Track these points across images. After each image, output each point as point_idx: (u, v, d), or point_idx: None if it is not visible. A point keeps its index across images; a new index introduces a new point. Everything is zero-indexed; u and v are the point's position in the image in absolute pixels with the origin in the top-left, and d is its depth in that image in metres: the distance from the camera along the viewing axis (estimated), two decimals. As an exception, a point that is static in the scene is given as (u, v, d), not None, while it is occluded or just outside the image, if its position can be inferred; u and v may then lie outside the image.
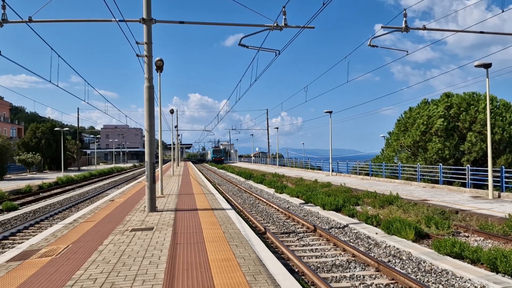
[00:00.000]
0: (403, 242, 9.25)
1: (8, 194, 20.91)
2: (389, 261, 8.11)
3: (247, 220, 12.74)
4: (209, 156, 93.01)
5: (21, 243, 9.58)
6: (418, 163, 23.15)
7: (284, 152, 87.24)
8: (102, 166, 65.47)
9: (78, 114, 57.77)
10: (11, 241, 10.86)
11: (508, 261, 6.79)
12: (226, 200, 17.04)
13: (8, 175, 38.95)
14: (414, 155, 25.68)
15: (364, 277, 7.08)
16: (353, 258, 8.31)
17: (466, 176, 18.64)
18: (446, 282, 6.69)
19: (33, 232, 12.09)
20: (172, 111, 29.91)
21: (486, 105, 16.61)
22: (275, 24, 11.58)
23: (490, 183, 15.42)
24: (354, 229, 11.21)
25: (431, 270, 7.32)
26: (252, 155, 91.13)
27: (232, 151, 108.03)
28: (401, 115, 28.04)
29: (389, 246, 9.18)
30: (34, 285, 5.16)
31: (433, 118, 24.22)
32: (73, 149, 59.72)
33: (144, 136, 14.12)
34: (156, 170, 14.00)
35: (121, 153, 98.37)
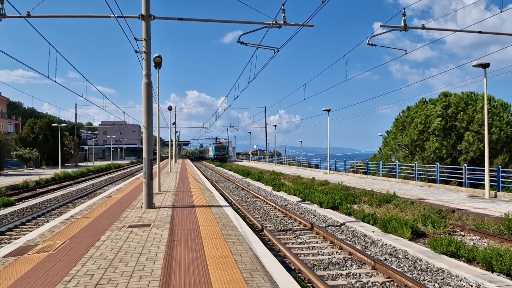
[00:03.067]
0: (399, 241, 9.28)
1: (5, 189, 20.85)
2: (385, 259, 8.14)
3: (244, 218, 12.76)
4: (211, 153, 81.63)
5: (17, 238, 9.57)
6: (416, 162, 23.21)
7: (282, 150, 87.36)
8: (100, 163, 65.36)
9: (76, 110, 57.79)
10: (7, 237, 10.84)
11: (503, 260, 6.83)
12: (224, 197, 17.06)
13: (5, 171, 38.85)
14: (412, 154, 25.74)
15: (360, 275, 7.11)
16: (349, 256, 8.34)
17: (463, 176, 18.70)
18: (442, 280, 6.72)
19: (30, 227, 12.07)
20: (170, 108, 29.89)
21: (483, 105, 16.65)
22: (274, 22, 11.57)
23: (486, 182, 15.48)
24: (351, 227, 11.25)
25: (427, 268, 7.36)
26: (250, 153, 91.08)
27: (230, 148, 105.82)
28: (399, 114, 28.10)
29: (386, 244, 9.22)
30: (30, 281, 5.16)
31: (431, 118, 24.26)
32: (71, 145, 59.58)
33: (141, 133, 14.10)
34: (153, 167, 14.00)
35: (118, 149, 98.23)
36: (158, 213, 10.71)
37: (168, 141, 61.11)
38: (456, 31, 15.44)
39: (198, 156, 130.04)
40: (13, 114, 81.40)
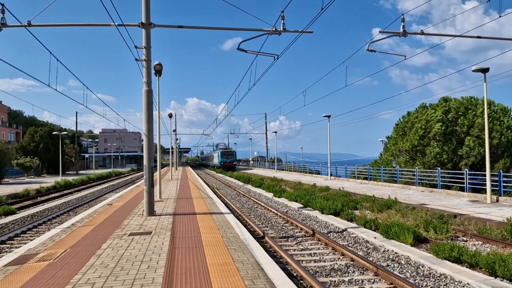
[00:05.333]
0: (401, 246, 9.25)
1: (6, 198, 20.82)
2: (387, 265, 8.10)
3: (245, 224, 12.73)
4: (216, 160, 69.47)
5: (18, 247, 9.54)
6: (417, 167, 23.18)
7: (282, 156, 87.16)
8: (100, 170, 65.33)
9: (76, 118, 57.80)
10: (8, 246, 10.81)
11: (506, 265, 6.79)
12: (225, 204, 17.02)
13: (6, 179, 38.83)
14: (413, 159, 25.70)
15: (362, 282, 7.07)
16: (351, 263, 8.30)
17: (464, 180, 18.66)
18: (445, 286, 6.68)
19: (30, 236, 12.05)
20: (170, 115, 29.96)
21: (484, 109, 16.67)
22: (274, 29, 11.63)
23: (488, 187, 15.44)
24: (352, 233, 11.20)
25: (430, 274, 7.32)
26: (250, 159, 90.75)
27: None
28: (399, 120, 28.10)
29: (388, 250, 9.18)
30: (31, 290, 5.13)
31: (431, 123, 24.27)
32: (71, 153, 59.59)
33: (142, 140, 14.12)
34: (154, 174, 13.98)
35: (119, 157, 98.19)
36: (159, 221, 10.68)
37: (169, 149, 60.91)
38: (455, 36, 15.51)
39: (200, 164, 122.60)
40: (14, 123, 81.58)
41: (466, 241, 10.23)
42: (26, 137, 52.28)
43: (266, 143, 71.22)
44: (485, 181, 15.84)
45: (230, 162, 63.73)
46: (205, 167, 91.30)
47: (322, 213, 14.82)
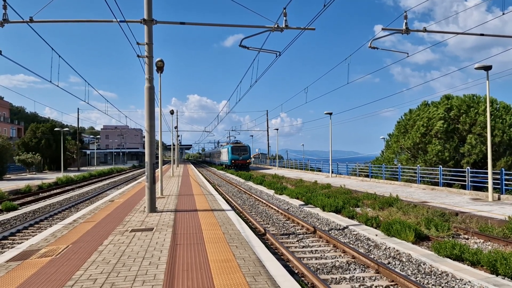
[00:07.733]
0: (403, 244, 9.24)
1: (8, 194, 20.89)
2: (389, 263, 8.11)
3: (247, 221, 12.73)
4: (225, 157, 56.46)
5: (20, 243, 9.58)
6: (418, 165, 23.15)
7: (284, 153, 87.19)
8: (102, 167, 65.44)
9: (78, 114, 57.82)
10: (10, 241, 10.84)
11: (508, 264, 6.79)
12: (226, 201, 17.02)
13: (8, 175, 38.93)
14: (414, 157, 25.68)
15: (364, 279, 7.08)
16: (353, 260, 8.30)
17: (466, 178, 18.64)
18: (446, 284, 6.68)
19: (32, 232, 12.08)
20: (172, 112, 29.94)
21: (486, 107, 16.63)
22: (276, 26, 11.59)
23: (490, 185, 15.42)
24: (354, 231, 11.21)
25: (431, 272, 7.32)
26: (251, 157, 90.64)
27: None
28: (401, 117, 28.06)
29: (389, 248, 9.18)
30: (34, 285, 5.15)
31: (433, 120, 24.22)
32: (73, 150, 59.71)
33: (144, 137, 14.12)
34: (156, 170, 14.00)
35: (120, 153, 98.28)
36: (160, 217, 10.70)
37: (170, 145, 60.73)
38: (458, 33, 15.46)
39: (203, 161, 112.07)
40: (16, 119, 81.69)
41: (467, 239, 10.23)
42: (28, 133, 52.40)
43: (268, 140, 71.29)
44: (487, 179, 15.82)
45: (243, 160, 51.61)
46: (208, 165, 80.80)
47: (323, 210, 14.82)
